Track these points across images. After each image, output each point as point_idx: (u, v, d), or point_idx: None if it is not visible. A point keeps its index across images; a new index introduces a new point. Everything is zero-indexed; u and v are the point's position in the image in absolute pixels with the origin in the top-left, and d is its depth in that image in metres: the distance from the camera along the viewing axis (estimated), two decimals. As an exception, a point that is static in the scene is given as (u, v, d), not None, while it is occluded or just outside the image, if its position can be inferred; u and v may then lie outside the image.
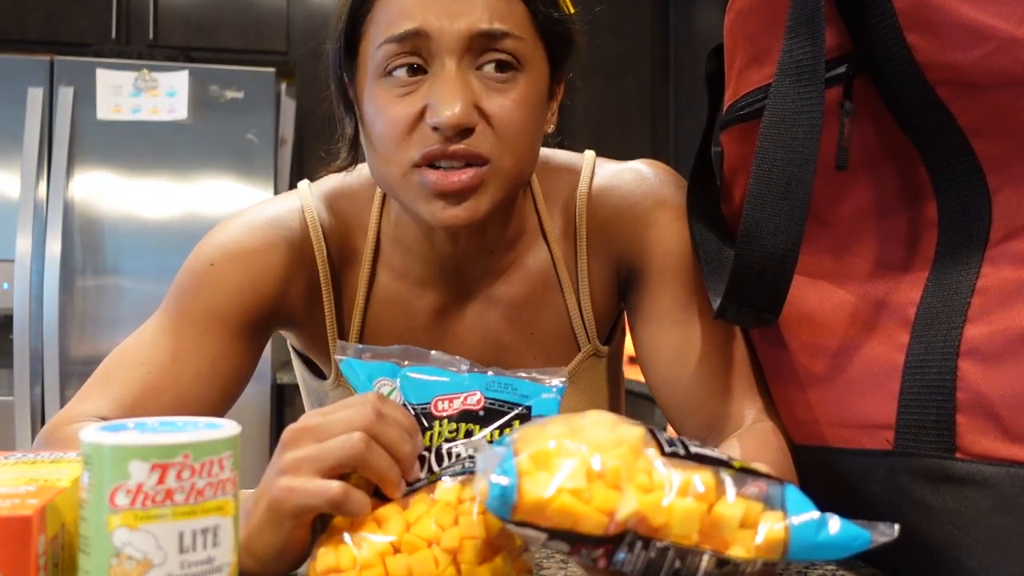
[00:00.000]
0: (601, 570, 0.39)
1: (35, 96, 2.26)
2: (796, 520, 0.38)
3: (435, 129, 0.60)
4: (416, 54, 0.61)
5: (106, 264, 2.31)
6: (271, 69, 2.42)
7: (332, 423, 0.48)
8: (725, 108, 0.59)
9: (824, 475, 0.51)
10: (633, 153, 0.88)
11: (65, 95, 2.27)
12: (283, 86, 2.54)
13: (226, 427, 0.40)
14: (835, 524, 0.37)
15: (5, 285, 2.25)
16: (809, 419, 0.51)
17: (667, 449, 0.40)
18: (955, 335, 0.42)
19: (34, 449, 0.59)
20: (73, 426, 0.63)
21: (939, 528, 0.41)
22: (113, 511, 0.36)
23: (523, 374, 0.56)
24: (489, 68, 0.61)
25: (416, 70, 0.62)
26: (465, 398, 0.54)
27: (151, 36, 2.72)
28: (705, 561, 0.38)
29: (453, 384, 0.55)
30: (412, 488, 0.49)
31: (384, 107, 0.62)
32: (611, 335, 0.80)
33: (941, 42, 0.42)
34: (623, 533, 0.37)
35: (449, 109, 0.59)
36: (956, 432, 0.41)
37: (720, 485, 0.39)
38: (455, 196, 0.60)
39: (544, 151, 0.76)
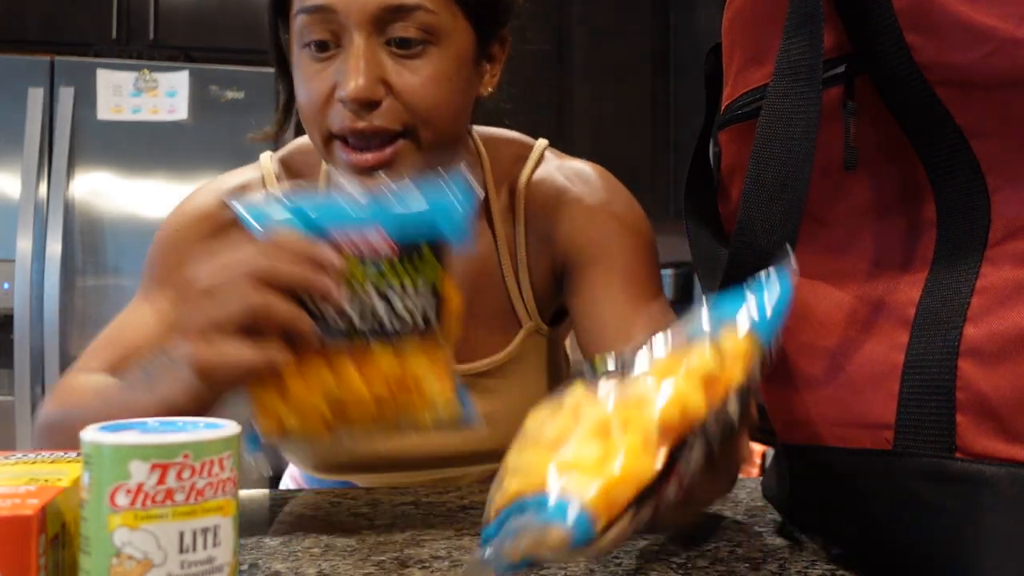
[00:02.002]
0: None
1: (35, 96, 2.26)
2: (741, 317, 0.43)
3: (343, 103, 0.61)
4: (328, 28, 0.62)
5: (106, 264, 2.31)
6: (271, 69, 2.42)
7: (218, 272, 0.48)
8: (723, 108, 0.59)
9: (823, 475, 0.51)
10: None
11: (65, 95, 2.27)
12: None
13: (226, 427, 0.40)
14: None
15: (5, 285, 2.26)
16: (806, 420, 0.51)
17: (610, 371, 0.41)
18: (955, 335, 0.42)
19: (44, 411, 0.64)
20: (81, 376, 0.66)
21: (939, 528, 0.41)
22: (113, 511, 0.36)
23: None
24: (398, 42, 0.62)
25: (326, 46, 0.63)
26: (367, 234, 0.49)
27: (151, 36, 2.72)
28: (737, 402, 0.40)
29: (346, 214, 0.50)
30: (334, 338, 0.48)
31: (304, 79, 0.65)
32: (557, 321, 0.81)
33: (941, 42, 0.42)
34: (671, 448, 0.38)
35: (353, 82, 0.60)
36: (956, 432, 0.41)
37: (680, 354, 0.41)
38: (369, 172, 0.62)
39: (500, 131, 0.79)
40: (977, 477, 0.40)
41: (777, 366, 0.55)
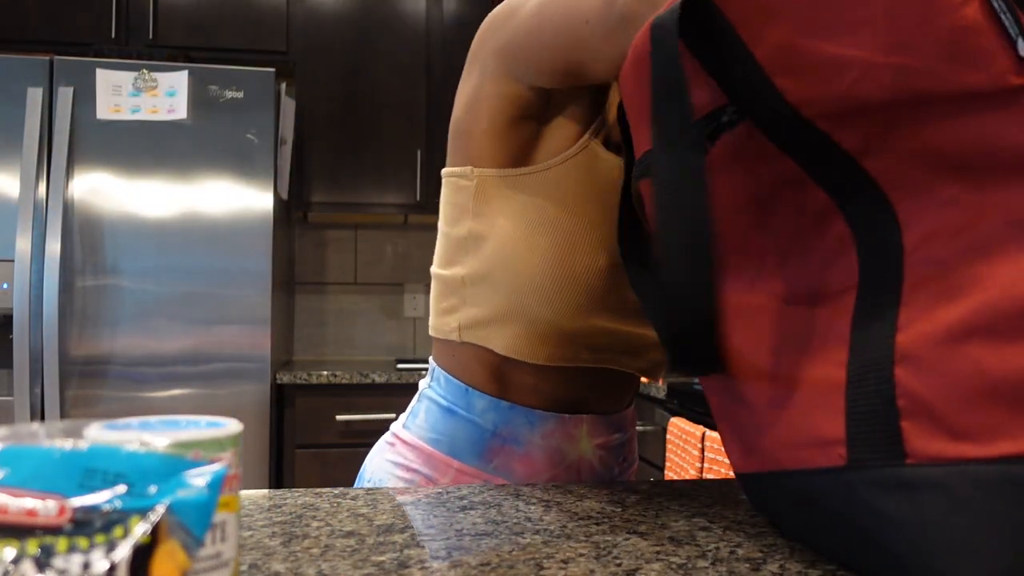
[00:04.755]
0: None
1: (35, 96, 2.26)
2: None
3: None
4: None
5: (106, 264, 2.31)
6: (271, 69, 2.42)
7: None
8: (637, 158, 0.59)
9: (782, 498, 0.51)
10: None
11: (65, 95, 2.27)
12: (283, 86, 2.55)
13: (229, 425, 0.40)
14: None
15: (5, 285, 2.25)
16: (760, 446, 0.51)
17: None
18: (888, 344, 0.43)
19: None
20: None
21: (901, 538, 0.42)
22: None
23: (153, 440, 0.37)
24: None
25: None
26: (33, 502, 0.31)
27: (151, 36, 2.73)
28: None
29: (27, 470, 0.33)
30: None
31: None
32: None
33: (808, 80, 0.43)
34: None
35: None
36: (903, 438, 0.42)
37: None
38: None
39: None
40: (929, 480, 0.40)
41: (724, 399, 0.55)
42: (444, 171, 0.79)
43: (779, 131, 0.46)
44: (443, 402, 0.79)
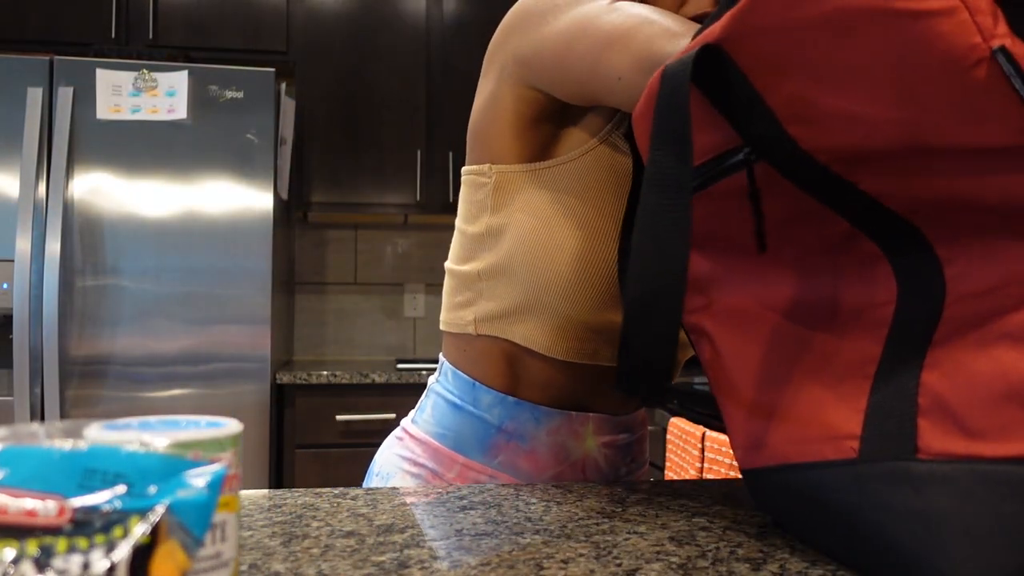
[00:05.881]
0: None
1: (35, 96, 2.26)
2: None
3: None
4: None
5: (105, 264, 2.31)
6: (271, 69, 2.42)
7: None
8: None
9: (788, 493, 0.51)
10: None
11: (65, 95, 2.27)
12: (283, 86, 2.54)
13: (229, 425, 0.40)
14: None
15: (5, 285, 2.25)
16: (768, 441, 0.52)
17: None
18: (921, 353, 0.43)
19: None
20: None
21: (907, 530, 0.42)
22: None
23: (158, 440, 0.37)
24: None
25: None
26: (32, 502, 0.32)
27: (151, 36, 2.72)
28: None
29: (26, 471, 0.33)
30: None
31: None
32: None
33: (820, 130, 0.44)
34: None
35: None
36: (917, 435, 0.42)
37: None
38: None
39: None
40: (938, 475, 0.41)
41: (735, 392, 0.56)
42: (463, 169, 0.79)
43: (794, 173, 0.47)
44: (450, 397, 0.79)
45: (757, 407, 0.53)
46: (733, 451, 0.58)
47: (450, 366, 0.80)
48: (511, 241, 0.74)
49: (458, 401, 0.78)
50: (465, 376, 0.78)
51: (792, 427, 0.49)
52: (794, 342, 0.51)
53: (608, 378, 0.78)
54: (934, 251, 0.44)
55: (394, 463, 0.81)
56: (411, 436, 0.81)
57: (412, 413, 0.85)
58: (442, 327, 0.82)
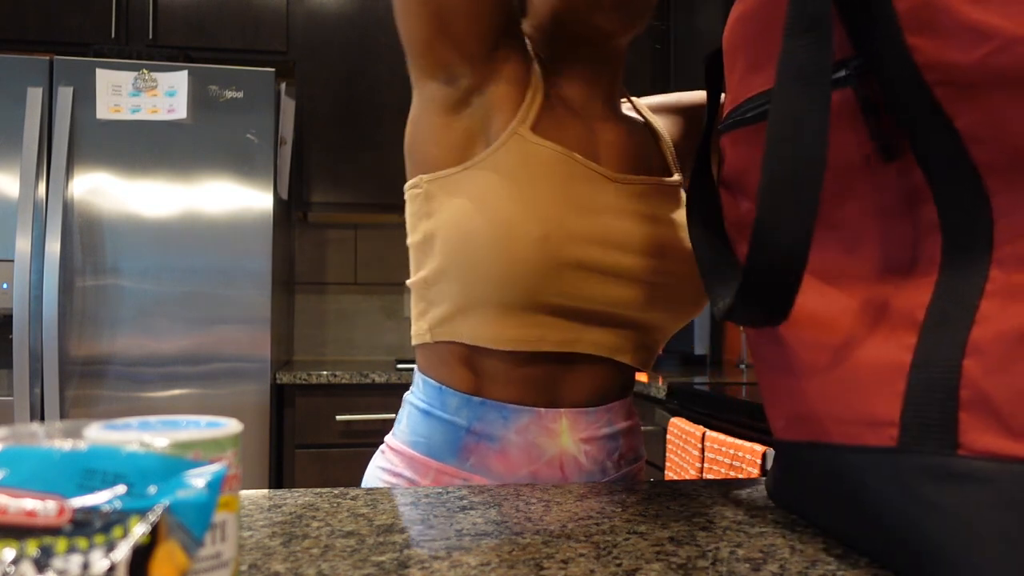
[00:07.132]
0: None
1: (34, 96, 2.26)
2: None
3: None
4: None
5: (105, 264, 2.31)
6: (271, 69, 2.42)
7: None
8: (726, 112, 0.59)
9: (826, 472, 0.51)
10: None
11: (64, 95, 2.27)
12: (283, 86, 2.54)
13: (229, 425, 0.40)
14: None
15: (4, 285, 2.25)
16: (810, 414, 0.51)
17: None
18: (962, 337, 0.42)
19: None
20: None
21: (941, 526, 0.41)
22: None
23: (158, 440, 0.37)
24: None
25: None
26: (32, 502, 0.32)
27: (151, 36, 2.73)
28: None
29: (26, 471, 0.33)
30: None
31: None
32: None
33: (943, 42, 0.42)
34: None
35: None
36: (959, 430, 0.41)
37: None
38: None
39: None
40: (979, 474, 0.40)
41: (779, 360, 0.55)
42: (404, 187, 0.83)
43: (895, 93, 0.45)
44: (421, 405, 0.81)
45: (800, 374, 0.52)
46: (769, 420, 0.57)
47: (420, 375, 0.83)
48: (441, 242, 0.76)
49: (428, 408, 0.80)
50: (433, 382, 0.80)
51: (834, 403, 0.49)
52: (847, 312, 0.50)
53: (567, 365, 0.78)
54: (992, 232, 0.42)
55: (375, 475, 0.84)
56: (391, 448, 0.84)
57: (393, 427, 0.87)
58: (412, 342, 0.84)
